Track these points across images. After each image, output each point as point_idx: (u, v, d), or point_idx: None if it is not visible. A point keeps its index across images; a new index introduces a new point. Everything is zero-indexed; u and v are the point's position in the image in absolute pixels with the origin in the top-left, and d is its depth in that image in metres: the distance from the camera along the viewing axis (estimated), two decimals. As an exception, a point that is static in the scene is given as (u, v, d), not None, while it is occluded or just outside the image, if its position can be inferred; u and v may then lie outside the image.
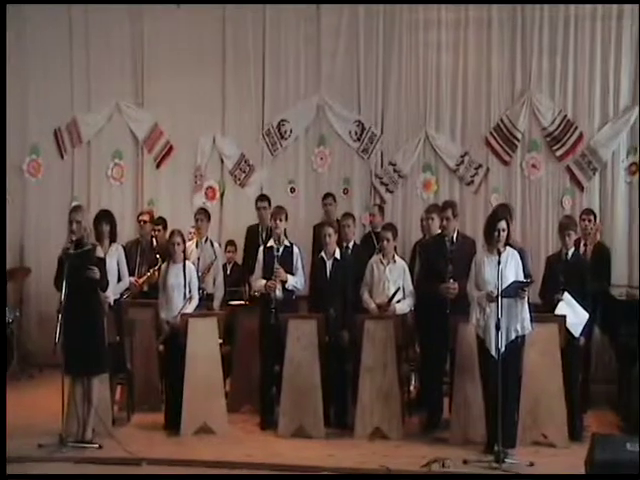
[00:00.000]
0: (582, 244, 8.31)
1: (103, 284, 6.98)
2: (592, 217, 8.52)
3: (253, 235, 8.93)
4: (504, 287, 6.46)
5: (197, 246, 8.67)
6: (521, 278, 6.69)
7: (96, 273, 6.78)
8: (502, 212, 7.16)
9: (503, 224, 6.66)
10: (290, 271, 7.67)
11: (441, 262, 7.32)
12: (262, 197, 9.30)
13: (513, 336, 6.59)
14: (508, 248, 6.72)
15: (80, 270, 6.72)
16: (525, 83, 9.93)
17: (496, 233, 6.64)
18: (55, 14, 10.76)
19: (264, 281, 7.64)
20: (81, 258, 6.77)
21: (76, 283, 6.72)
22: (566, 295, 7.13)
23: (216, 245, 8.86)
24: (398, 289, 7.56)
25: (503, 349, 6.43)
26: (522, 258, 7.19)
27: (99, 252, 6.98)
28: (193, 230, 9.07)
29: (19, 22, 10.80)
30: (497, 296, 6.42)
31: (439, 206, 8.41)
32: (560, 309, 7.12)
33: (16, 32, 10.79)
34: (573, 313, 7.10)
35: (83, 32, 10.76)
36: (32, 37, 10.81)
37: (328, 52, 10.39)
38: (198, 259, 8.52)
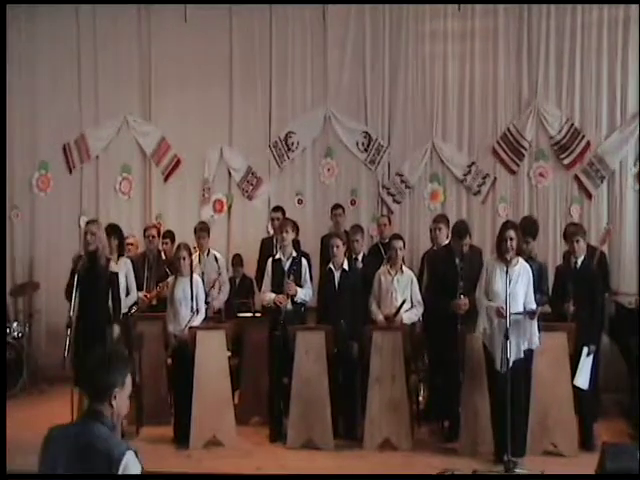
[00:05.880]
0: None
1: (117, 305, 7.01)
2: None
3: (268, 247, 8.91)
4: (514, 311, 6.42)
5: (200, 260, 8.67)
6: (531, 295, 6.66)
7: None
8: (513, 222, 7.14)
9: (511, 233, 6.63)
10: (298, 283, 7.67)
11: (451, 278, 7.26)
12: (276, 208, 9.32)
13: (521, 352, 6.56)
14: (521, 262, 6.68)
15: (93, 285, 6.76)
16: (532, 92, 9.91)
17: (504, 242, 6.62)
18: (63, 29, 10.82)
19: (273, 295, 7.65)
20: (95, 273, 6.81)
21: (88, 298, 6.75)
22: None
23: (219, 256, 8.87)
24: (405, 300, 7.54)
25: (511, 363, 6.40)
26: (540, 274, 7.16)
27: (112, 267, 7.01)
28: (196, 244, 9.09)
29: (28, 37, 10.88)
30: (506, 302, 6.40)
31: (446, 216, 8.46)
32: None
33: (25, 48, 10.87)
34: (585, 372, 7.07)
35: (91, 47, 10.81)
36: (40, 52, 10.86)
37: (335, 63, 10.40)
38: (202, 273, 8.51)
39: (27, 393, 9.48)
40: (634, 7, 9.61)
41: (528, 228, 7.58)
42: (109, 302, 7.02)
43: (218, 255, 8.88)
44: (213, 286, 8.42)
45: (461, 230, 7.42)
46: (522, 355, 6.56)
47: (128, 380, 3.25)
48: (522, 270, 6.64)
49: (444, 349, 7.29)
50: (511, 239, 6.60)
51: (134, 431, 7.74)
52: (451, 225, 7.97)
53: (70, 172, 10.90)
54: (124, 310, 7.83)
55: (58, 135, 10.86)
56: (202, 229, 8.91)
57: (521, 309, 6.57)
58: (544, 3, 9.84)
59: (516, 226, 6.87)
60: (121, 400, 3.20)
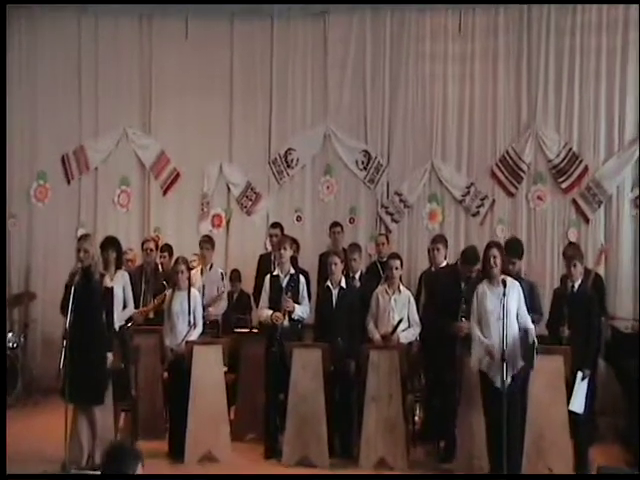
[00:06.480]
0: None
1: (110, 320, 6.99)
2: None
3: (265, 263, 8.93)
4: (509, 328, 6.45)
5: (202, 273, 8.69)
6: (524, 309, 6.67)
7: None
8: (496, 242, 7.20)
9: (494, 251, 6.68)
10: (296, 300, 7.67)
11: (455, 300, 7.27)
12: (275, 225, 9.34)
13: (519, 367, 6.56)
14: (509, 279, 6.71)
15: (87, 300, 6.75)
16: (531, 116, 9.98)
17: (488, 261, 6.66)
18: (64, 40, 10.84)
19: (270, 311, 7.64)
20: (89, 289, 6.80)
21: (82, 313, 6.73)
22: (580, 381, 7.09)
23: (222, 272, 8.89)
24: (401, 320, 7.54)
25: (509, 379, 6.41)
26: (532, 293, 7.18)
27: (107, 282, 7.00)
28: (195, 257, 9.11)
29: (29, 48, 10.89)
30: (503, 324, 6.41)
31: (445, 237, 8.49)
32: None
33: (26, 59, 10.88)
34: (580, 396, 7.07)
35: (92, 59, 10.83)
36: (41, 63, 10.88)
37: (335, 81, 10.47)
38: (203, 287, 8.54)
39: (22, 404, 9.41)
40: (632, 33, 9.70)
41: (513, 249, 7.60)
42: (103, 317, 6.98)
43: (221, 270, 8.90)
44: (214, 303, 8.46)
45: (471, 257, 7.40)
46: (518, 368, 6.55)
47: (138, 469, 3.47)
48: (511, 286, 6.65)
49: (441, 370, 7.30)
50: (494, 257, 6.65)
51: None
52: (451, 243, 7.98)
53: (68, 183, 10.89)
54: (121, 323, 7.81)
55: (57, 146, 10.86)
56: (206, 241, 8.96)
57: (515, 325, 6.56)
58: (545, 3, 9.90)
59: (499, 245, 6.93)
60: None
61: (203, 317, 7.86)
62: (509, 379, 6.41)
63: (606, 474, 4.91)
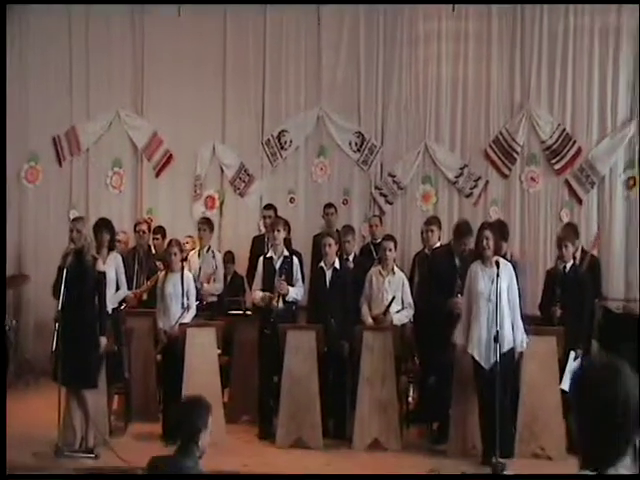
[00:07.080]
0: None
1: (103, 304, 6.97)
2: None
3: (259, 245, 8.91)
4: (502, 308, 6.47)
5: (199, 255, 8.69)
6: (515, 290, 6.72)
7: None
8: (488, 222, 7.24)
9: (486, 233, 6.72)
10: (290, 282, 7.66)
11: (450, 277, 7.28)
12: (268, 206, 9.32)
13: (506, 348, 6.58)
14: (501, 260, 6.73)
15: (79, 283, 6.73)
16: (524, 97, 9.97)
17: (481, 243, 6.70)
18: (56, 22, 10.74)
19: (263, 293, 7.62)
20: (81, 271, 6.77)
21: (74, 296, 6.71)
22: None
23: (217, 254, 8.89)
24: (393, 299, 7.54)
25: (497, 360, 6.43)
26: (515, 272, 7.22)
27: (100, 266, 6.97)
28: (188, 239, 9.09)
29: (20, 30, 10.78)
30: (496, 305, 6.44)
31: (438, 218, 8.48)
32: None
33: (17, 40, 10.78)
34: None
35: (83, 40, 10.73)
36: (32, 45, 10.78)
37: (329, 63, 10.42)
38: (200, 268, 8.53)
39: (13, 388, 9.38)
40: (625, 15, 9.66)
41: (499, 231, 7.61)
42: (95, 300, 6.96)
43: (217, 252, 8.89)
44: (208, 282, 8.46)
45: (464, 230, 7.41)
46: (506, 349, 6.57)
47: (209, 421, 4.00)
48: (502, 267, 6.67)
49: (435, 351, 7.30)
50: (487, 239, 6.70)
51: (122, 427, 7.70)
52: (444, 224, 7.99)
53: (60, 165, 10.81)
54: (114, 305, 7.80)
55: (49, 127, 10.75)
56: (204, 223, 8.94)
57: (505, 304, 6.60)
58: (540, 3, 9.86)
59: (492, 226, 6.96)
60: (205, 439, 3.95)
61: (200, 298, 7.85)
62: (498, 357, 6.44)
63: (606, 474, 4.92)
